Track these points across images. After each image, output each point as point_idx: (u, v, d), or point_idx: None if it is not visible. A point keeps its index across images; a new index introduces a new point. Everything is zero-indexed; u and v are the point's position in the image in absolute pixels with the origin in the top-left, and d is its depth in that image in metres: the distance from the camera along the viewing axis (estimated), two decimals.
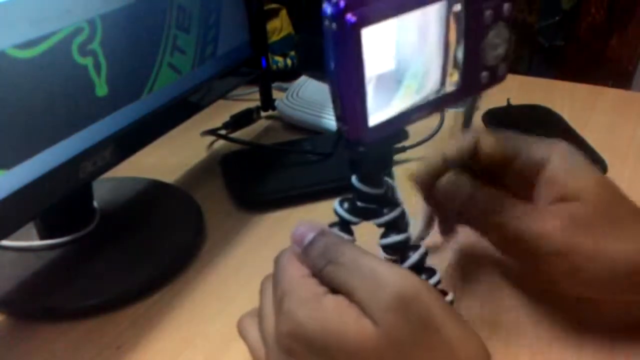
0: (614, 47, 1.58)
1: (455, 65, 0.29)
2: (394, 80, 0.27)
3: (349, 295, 0.28)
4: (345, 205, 0.33)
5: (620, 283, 0.33)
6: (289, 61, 0.89)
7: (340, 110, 0.26)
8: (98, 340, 0.43)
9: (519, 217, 0.34)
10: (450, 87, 0.29)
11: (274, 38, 0.91)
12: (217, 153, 0.70)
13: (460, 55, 0.28)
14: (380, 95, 0.27)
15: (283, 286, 0.30)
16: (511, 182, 0.37)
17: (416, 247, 0.33)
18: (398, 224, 0.33)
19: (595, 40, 1.58)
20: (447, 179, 0.36)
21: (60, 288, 0.47)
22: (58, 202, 0.44)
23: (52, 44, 0.40)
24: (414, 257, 0.32)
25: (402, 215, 0.33)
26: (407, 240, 0.33)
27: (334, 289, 0.29)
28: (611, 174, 0.61)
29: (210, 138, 0.72)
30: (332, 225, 0.33)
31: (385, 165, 0.32)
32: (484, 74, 0.30)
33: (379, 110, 0.27)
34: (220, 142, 0.72)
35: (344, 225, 0.33)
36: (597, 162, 0.62)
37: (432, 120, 0.35)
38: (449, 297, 0.33)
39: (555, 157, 0.34)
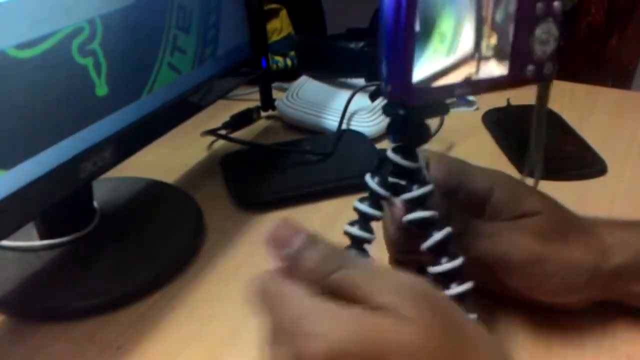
0: (614, 47, 1.58)
1: (493, 26, 0.29)
2: (424, 35, 0.28)
3: (366, 300, 0.26)
4: (377, 178, 0.33)
5: (584, 285, 0.36)
6: (289, 61, 0.89)
7: (386, 68, 0.28)
8: (98, 340, 0.43)
9: (489, 234, 0.36)
10: (489, 53, 0.30)
11: (274, 38, 0.91)
12: (217, 153, 0.70)
13: (499, 18, 0.29)
14: (418, 55, 0.28)
15: (290, 312, 0.27)
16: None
17: (441, 226, 0.33)
18: (426, 202, 0.33)
19: (595, 40, 1.58)
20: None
21: (60, 288, 0.47)
22: (58, 202, 0.43)
23: (52, 44, 0.40)
24: (438, 235, 0.32)
25: (431, 193, 0.33)
26: (433, 218, 0.33)
27: (339, 297, 0.27)
28: (611, 174, 0.61)
29: (210, 138, 0.72)
30: (362, 200, 0.33)
31: (422, 137, 0.32)
32: (530, 67, 0.31)
33: (424, 74, 0.28)
34: (220, 142, 0.72)
35: (376, 200, 0.33)
36: (597, 162, 0.62)
37: (432, 122, 0.35)
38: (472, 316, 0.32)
39: (498, 186, 0.37)
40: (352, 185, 0.58)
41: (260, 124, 0.77)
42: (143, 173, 0.62)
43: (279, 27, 0.92)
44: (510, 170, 0.62)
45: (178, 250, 0.51)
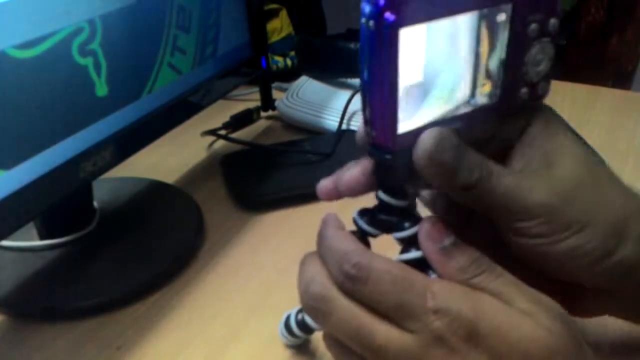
0: (614, 47, 1.58)
1: (488, 76, 0.28)
2: (423, 88, 0.26)
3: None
4: (366, 216, 0.31)
5: (606, 255, 0.30)
6: (289, 61, 0.89)
7: (369, 115, 0.26)
8: (98, 340, 0.43)
9: (511, 185, 0.29)
10: (483, 100, 0.28)
11: (274, 38, 0.91)
12: (217, 153, 0.70)
13: (493, 66, 0.28)
14: (410, 102, 0.26)
15: (418, 289, 0.27)
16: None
17: None
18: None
19: (595, 40, 1.58)
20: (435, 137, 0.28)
21: (60, 288, 0.47)
22: (58, 202, 0.44)
23: (52, 44, 0.40)
24: (434, 276, 0.30)
25: None
26: None
27: None
28: None
29: (210, 138, 0.72)
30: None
31: (411, 176, 0.30)
32: (524, 90, 0.29)
33: (409, 117, 0.27)
34: (220, 142, 0.72)
35: (362, 237, 0.31)
36: None
37: None
38: None
39: (535, 119, 0.32)
40: None
41: (260, 124, 0.77)
42: (143, 173, 0.62)
43: (279, 27, 0.92)
44: None
45: (178, 250, 0.51)
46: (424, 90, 0.26)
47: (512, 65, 0.28)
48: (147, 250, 0.51)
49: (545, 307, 0.27)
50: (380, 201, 0.31)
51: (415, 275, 0.27)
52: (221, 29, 0.60)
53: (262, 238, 0.54)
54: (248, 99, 0.81)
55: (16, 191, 0.39)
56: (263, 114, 0.77)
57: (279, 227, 0.55)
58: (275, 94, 0.77)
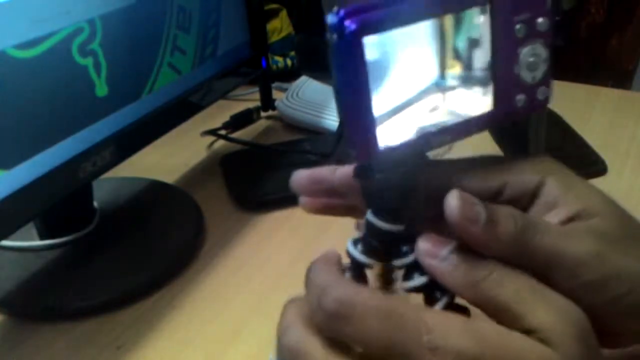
0: (614, 47, 1.58)
1: (456, 56, 0.26)
2: (403, 95, 0.25)
3: (517, 320, 0.24)
4: (360, 245, 0.28)
5: None
6: (289, 61, 0.89)
7: (348, 132, 0.24)
8: (98, 340, 0.43)
9: (554, 238, 0.27)
10: (454, 81, 0.26)
11: (274, 38, 0.91)
12: (217, 153, 0.70)
13: (460, 45, 0.26)
14: (390, 113, 0.25)
15: (415, 325, 0.23)
16: None
17: (445, 289, 0.27)
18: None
19: (595, 40, 1.58)
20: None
21: (61, 288, 0.47)
22: (58, 202, 0.44)
23: (52, 44, 0.40)
24: (444, 300, 0.27)
25: None
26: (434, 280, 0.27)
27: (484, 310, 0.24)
28: (611, 174, 0.61)
29: (210, 138, 0.72)
30: (344, 270, 0.27)
31: (407, 195, 0.27)
32: (519, 97, 0.27)
33: (390, 130, 0.25)
34: (220, 142, 0.72)
35: (357, 269, 0.28)
36: (597, 162, 0.62)
37: None
38: None
39: (549, 179, 0.30)
40: None
41: (260, 124, 0.77)
42: (143, 173, 0.62)
43: (279, 27, 0.92)
44: None
45: (178, 251, 0.51)
46: (405, 96, 0.25)
47: (502, 68, 0.27)
48: (147, 250, 0.51)
49: (564, 320, 0.24)
50: (372, 227, 0.27)
51: (405, 307, 0.24)
52: (221, 29, 0.60)
53: (262, 238, 0.54)
54: (248, 99, 0.80)
55: (16, 191, 0.39)
56: (263, 114, 0.77)
57: (279, 227, 0.55)
58: (275, 94, 0.77)
